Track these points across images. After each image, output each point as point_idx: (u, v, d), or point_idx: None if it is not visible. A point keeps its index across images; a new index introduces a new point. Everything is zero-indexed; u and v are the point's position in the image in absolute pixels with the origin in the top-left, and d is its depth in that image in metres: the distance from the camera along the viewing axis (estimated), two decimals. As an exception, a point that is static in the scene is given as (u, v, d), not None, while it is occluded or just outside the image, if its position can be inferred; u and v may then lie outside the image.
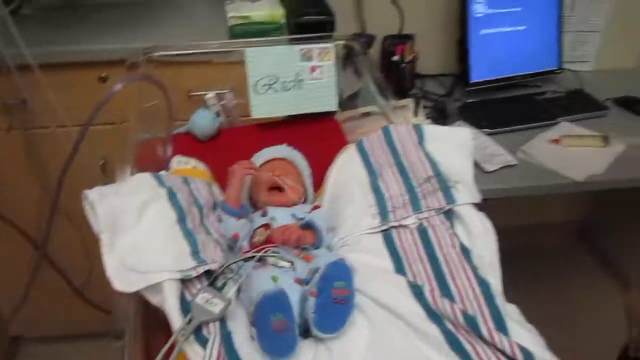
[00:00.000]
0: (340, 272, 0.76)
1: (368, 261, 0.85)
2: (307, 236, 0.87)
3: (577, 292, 2.17)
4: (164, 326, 0.80)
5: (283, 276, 0.78)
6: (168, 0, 1.80)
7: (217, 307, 0.73)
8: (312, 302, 0.73)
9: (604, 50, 2.03)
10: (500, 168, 1.47)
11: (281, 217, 0.90)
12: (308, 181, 1.05)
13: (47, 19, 1.59)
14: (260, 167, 1.01)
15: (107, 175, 1.63)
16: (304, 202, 1.02)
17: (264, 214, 0.92)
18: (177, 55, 1.21)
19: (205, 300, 0.73)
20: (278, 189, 0.98)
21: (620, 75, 2.00)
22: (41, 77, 1.33)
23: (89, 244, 1.80)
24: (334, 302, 0.72)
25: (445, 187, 0.89)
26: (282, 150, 1.05)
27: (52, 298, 1.86)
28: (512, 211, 2.19)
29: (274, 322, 0.70)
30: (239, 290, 0.78)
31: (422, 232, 0.86)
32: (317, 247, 0.89)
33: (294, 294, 0.75)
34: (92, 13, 1.65)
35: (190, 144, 1.18)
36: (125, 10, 1.72)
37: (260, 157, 1.03)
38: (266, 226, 0.88)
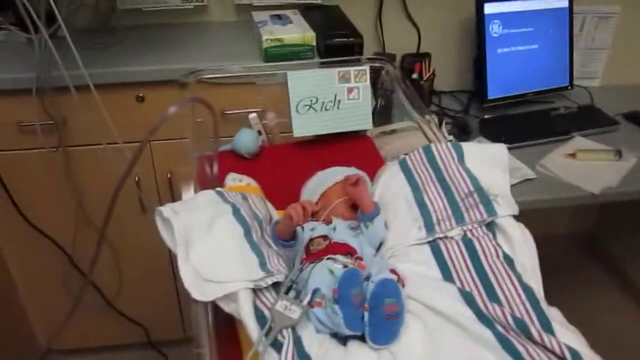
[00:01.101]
0: (389, 289, 0.80)
1: (417, 271, 0.91)
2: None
3: (589, 301, 2.25)
4: (225, 335, 0.87)
5: (338, 272, 0.84)
6: (199, 23, 1.88)
7: (295, 313, 0.79)
8: (365, 317, 0.79)
9: (612, 67, 2.12)
10: (521, 181, 1.55)
11: (341, 228, 0.97)
12: None
13: (84, 41, 1.65)
14: (338, 183, 1.08)
15: (141, 190, 1.70)
16: None
17: (327, 223, 0.99)
18: (224, 77, 1.29)
19: (284, 307, 0.80)
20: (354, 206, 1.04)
21: (628, 91, 2.09)
22: (94, 97, 1.38)
23: (119, 257, 1.87)
24: (385, 317, 0.77)
25: (486, 200, 0.96)
26: (356, 172, 1.12)
27: (82, 310, 1.91)
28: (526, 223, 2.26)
29: (354, 295, 0.77)
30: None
31: (467, 242, 0.93)
32: (370, 219, 0.97)
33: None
34: (127, 35, 1.73)
35: (234, 162, 1.25)
36: (159, 32, 1.80)
37: (336, 174, 1.10)
38: (324, 237, 0.95)
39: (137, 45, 1.69)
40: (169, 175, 1.70)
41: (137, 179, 1.67)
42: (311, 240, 0.95)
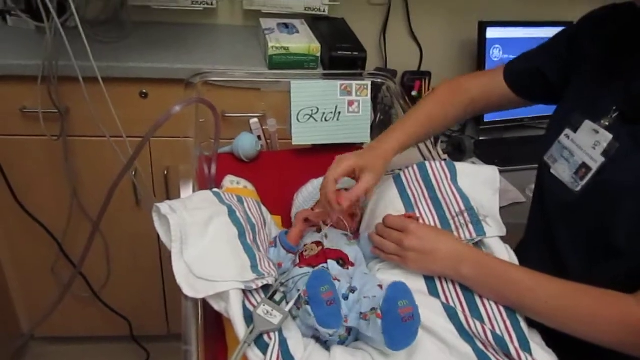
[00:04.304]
0: (401, 291, 0.81)
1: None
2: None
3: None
4: (212, 333, 0.89)
5: None
6: (207, 25, 1.91)
7: (276, 318, 0.81)
8: (378, 323, 0.78)
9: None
10: (511, 204, 1.58)
11: (333, 235, 0.99)
12: None
13: (91, 33, 1.67)
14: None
15: (139, 186, 1.72)
16: None
17: (318, 231, 1.01)
18: (230, 81, 1.31)
19: (266, 312, 0.82)
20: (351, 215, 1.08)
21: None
22: (97, 88, 1.39)
23: (110, 249, 1.88)
24: (402, 320, 0.78)
25: (476, 220, 0.99)
26: (351, 181, 1.14)
27: (67, 299, 1.92)
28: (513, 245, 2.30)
29: (323, 292, 0.78)
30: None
31: (455, 260, 0.95)
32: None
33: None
34: (135, 31, 1.75)
35: (232, 164, 1.27)
36: (167, 31, 1.82)
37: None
38: (317, 243, 0.97)
39: (145, 41, 1.71)
40: (165, 172, 1.72)
41: (133, 172, 1.69)
42: (305, 246, 0.98)
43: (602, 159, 0.88)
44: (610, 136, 0.88)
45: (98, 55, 1.41)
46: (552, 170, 0.99)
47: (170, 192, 1.76)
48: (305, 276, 0.90)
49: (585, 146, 0.91)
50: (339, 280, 0.88)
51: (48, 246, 1.81)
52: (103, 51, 1.57)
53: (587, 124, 0.92)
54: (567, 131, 0.96)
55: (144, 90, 1.60)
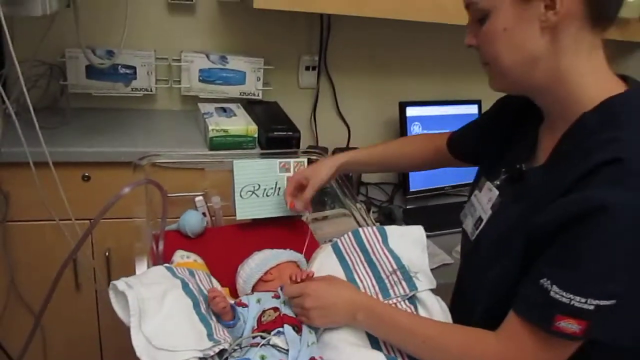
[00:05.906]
0: None
1: (348, 339, 1.02)
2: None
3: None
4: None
5: (271, 357, 0.92)
6: (146, 110, 2.00)
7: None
8: None
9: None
10: (439, 266, 1.71)
11: (290, 303, 1.06)
12: None
13: (31, 119, 1.71)
14: (279, 265, 1.18)
15: (77, 268, 1.72)
16: None
17: (276, 297, 1.07)
18: (176, 162, 1.40)
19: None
20: None
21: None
22: (40, 173, 1.43)
23: (47, 338, 1.83)
24: None
25: (407, 277, 1.10)
26: (294, 255, 1.23)
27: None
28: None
29: None
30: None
31: (392, 315, 1.05)
32: None
33: None
34: (75, 117, 1.81)
35: (180, 241, 1.33)
36: (107, 116, 1.89)
37: (279, 256, 1.21)
38: (275, 309, 1.04)
39: (85, 127, 1.78)
40: (107, 253, 1.74)
41: (74, 257, 1.69)
42: (264, 311, 1.04)
43: (490, 212, 1.04)
44: (497, 192, 1.04)
45: (38, 142, 1.46)
46: (463, 225, 1.15)
47: (112, 274, 1.76)
48: (254, 345, 0.96)
49: (483, 202, 1.08)
50: (287, 351, 0.95)
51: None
52: (43, 137, 1.60)
53: (487, 184, 1.09)
54: (476, 191, 1.13)
55: (86, 174, 1.65)
